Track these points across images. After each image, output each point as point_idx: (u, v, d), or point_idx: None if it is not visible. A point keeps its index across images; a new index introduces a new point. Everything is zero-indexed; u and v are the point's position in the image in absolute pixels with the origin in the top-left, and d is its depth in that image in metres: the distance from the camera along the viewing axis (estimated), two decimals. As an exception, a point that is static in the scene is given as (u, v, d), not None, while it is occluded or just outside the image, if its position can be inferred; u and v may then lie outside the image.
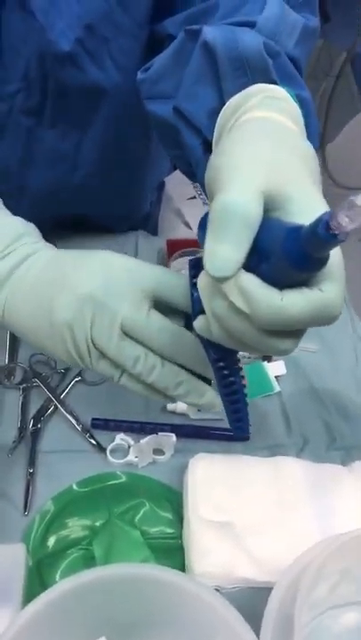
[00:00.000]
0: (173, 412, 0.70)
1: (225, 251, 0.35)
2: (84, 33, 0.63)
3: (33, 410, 0.70)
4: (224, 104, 0.49)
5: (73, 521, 0.60)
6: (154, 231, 1.01)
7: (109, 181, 0.81)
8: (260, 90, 0.47)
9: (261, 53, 0.50)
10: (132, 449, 0.65)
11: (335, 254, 0.35)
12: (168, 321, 0.47)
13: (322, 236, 0.31)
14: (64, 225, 0.88)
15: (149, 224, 0.99)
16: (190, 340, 0.47)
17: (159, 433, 0.66)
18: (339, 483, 0.61)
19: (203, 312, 0.43)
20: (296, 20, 0.56)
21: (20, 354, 0.75)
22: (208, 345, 0.43)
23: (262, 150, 0.39)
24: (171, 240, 0.89)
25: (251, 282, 0.35)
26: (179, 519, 0.61)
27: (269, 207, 0.37)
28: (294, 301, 0.34)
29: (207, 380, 0.49)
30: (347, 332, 0.81)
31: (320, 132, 0.51)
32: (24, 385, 0.71)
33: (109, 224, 0.91)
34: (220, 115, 0.49)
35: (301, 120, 0.47)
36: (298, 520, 0.58)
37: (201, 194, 0.96)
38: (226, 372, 0.44)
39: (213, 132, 0.50)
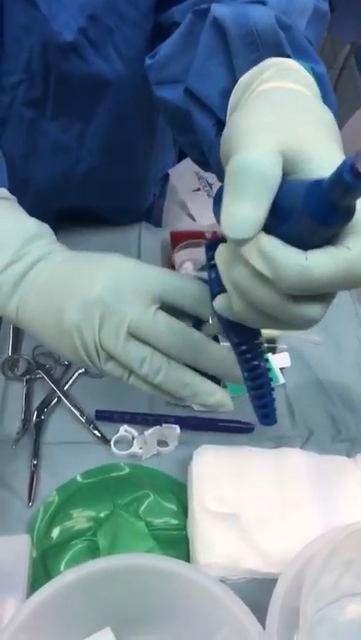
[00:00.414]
0: (177, 404, 0.70)
1: (243, 210, 0.33)
2: (88, 23, 0.62)
3: (37, 401, 0.70)
4: (236, 82, 0.47)
5: (77, 512, 0.60)
6: (158, 223, 1.01)
7: (113, 173, 0.80)
8: (273, 63, 0.46)
9: (274, 27, 0.48)
10: (136, 440, 0.65)
11: (360, 209, 0.32)
12: (175, 320, 0.46)
13: (347, 180, 0.29)
14: (68, 217, 0.88)
15: (153, 216, 0.99)
16: (198, 339, 0.46)
17: (163, 424, 0.66)
18: (344, 474, 0.61)
19: (221, 293, 0.42)
20: (307, 1, 0.55)
21: (23, 346, 0.74)
22: (229, 328, 0.42)
23: (279, 114, 0.38)
24: (174, 232, 0.88)
25: (272, 243, 0.33)
26: (183, 510, 0.60)
27: (289, 170, 0.35)
28: (320, 261, 0.32)
29: (216, 380, 0.48)
30: (351, 324, 0.81)
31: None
32: (27, 377, 0.71)
33: (113, 216, 0.91)
34: (232, 92, 0.47)
35: (317, 90, 0.45)
36: (302, 511, 0.58)
37: (205, 186, 0.95)
38: (249, 355, 0.43)
39: (226, 111, 0.48)
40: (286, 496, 0.59)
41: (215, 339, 0.49)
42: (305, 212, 0.31)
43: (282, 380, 0.73)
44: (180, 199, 0.96)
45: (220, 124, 0.51)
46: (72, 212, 0.88)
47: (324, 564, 0.47)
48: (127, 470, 0.64)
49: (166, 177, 0.98)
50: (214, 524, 0.56)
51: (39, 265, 0.48)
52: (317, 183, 0.31)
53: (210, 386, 0.47)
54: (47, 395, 0.70)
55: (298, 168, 0.35)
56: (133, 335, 0.46)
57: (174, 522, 0.60)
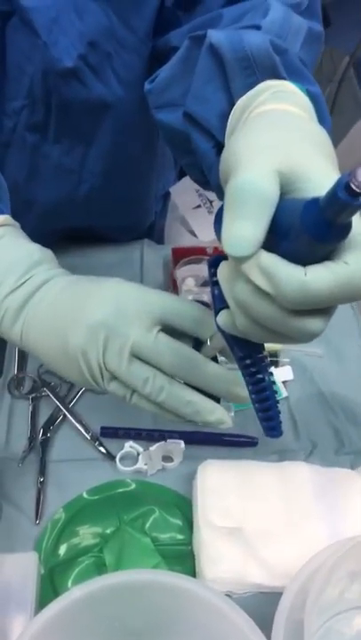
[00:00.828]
0: (180, 422, 0.70)
1: (243, 228, 0.34)
2: (87, 49, 0.64)
3: (42, 419, 0.71)
4: (234, 105, 0.49)
5: (84, 529, 0.61)
6: (160, 240, 1.02)
7: (115, 193, 0.82)
8: (268, 86, 0.47)
9: (268, 51, 0.50)
10: (141, 456, 0.66)
11: (357, 225, 0.33)
12: (176, 342, 0.48)
13: (342, 198, 0.30)
14: (72, 237, 0.89)
15: (155, 233, 1.00)
16: (198, 360, 0.48)
17: (168, 440, 0.66)
18: (348, 486, 0.61)
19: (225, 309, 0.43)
20: (301, 23, 0.56)
21: (28, 364, 0.75)
22: (233, 342, 0.43)
23: (275, 135, 0.39)
24: (176, 248, 0.89)
25: (272, 260, 0.34)
26: (189, 525, 0.61)
27: (286, 189, 0.36)
28: (318, 276, 0.33)
29: (216, 399, 0.49)
30: (353, 337, 0.81)
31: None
32: (33, 395, 0.72)
33: (116, 235, 0.92)
34: (230, 115, 0.49)
35: (312, 110, 0.47)
36: (307, 524, 0.58)
37: (206, 202, 0.97)
38: (253, 369, 0.44)
39: (225, 133, 0.50)
40: (291, 509, 0.60)
41: (214, 359, 0.50)
42: (303, 229, 0.32)
43: (285, 393, 0.74)
44: (182, 216, 0.97)
45: (220, 146, 0.52)
46: (76, 231, 0.89)
47: (328, 577, 0.47)
48: (133, 486, 0.65)
49: (167, 194, 1.00)
50: (219, 538, 0.57)
51: (42, 290, 0.50)
52: (314, 201, 0.32)
53: (210, 404, 0.48)
54: (52, 412, 0.71)
55: (295, 187, 0.36)
56: (136, 356, 0.47)
57: (180, 537, 0.60)
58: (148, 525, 0.61)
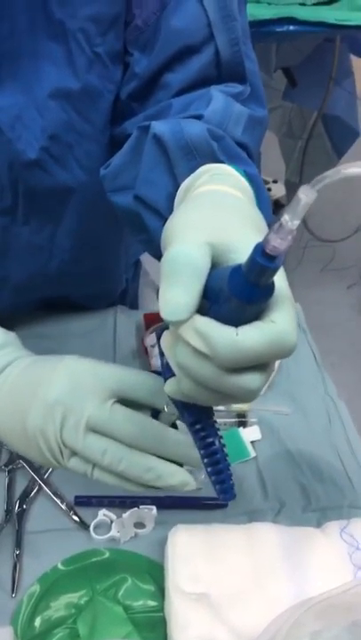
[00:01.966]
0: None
1: (176, 295, 0.37)
2: (49, 142, 0.68)
3: (19, 490, 0.72)
4: (178, 187, 0.53)
5: (58, 600, 0.62)
6: (133, 305, 1.06)
7: (84, 266, 0.86)
8: (207, 169, 0.52)
9: (206, 138, 0.55)
10: (114, 524, 0.68)
11: (280, 285, 0.37)
12: (132, 411, 0.50)
13: (260, 262, 0.33)
14: (46, 305, 0.93)
15: (128, 298, 1.04)
16: (156, 427, 0.50)
17: (140, 506, 0.68)
18: (312, 545, 0.63)
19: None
20: (241, 111, 0.61)
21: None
22: (183, 408, 0.45)
23: (206, 212, 0.43)
24: (147, 314, 0.93)
25: (206, 322, 0.37)
26: (161, 592, 0.62)
27: (219, 261, 0.39)
28: (248, 334, 0.36)
29: (178, 463, 0.51)
30: (318, 393, 0.84)
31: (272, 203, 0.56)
32: (10, 467, 0.74)
33: (89, 302, 0.96)
34: (176, 197, 0.53)
35: (248, 189, 0.51)
36: (274, 586, 0.60)
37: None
38: (203, 433, 0.45)
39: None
40: (258, 571, 0.61)
41: (173, 426, 0.53)
42: (230, 293, 0.36)
43: (253, 453, 0.76)
44: (152, 281, 1.01)
45: None
46: (50, 300, 0.93)
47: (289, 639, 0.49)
48: (107, 555, 0.66)
49: (138, 262, 1.04)
50: (188, 604, 0.58)
51: (4, 373, 0.53)
52: (238, 267, 0.36)
53: (172, 467, 0.50)
54: (28, 483, 0.73)
55: (227, 258, 0.40)
56: (94, 430, 0.49)
57: (152, 603, 0.62)
58: (120, 594, 0.62)
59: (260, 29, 1.46)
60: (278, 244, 0.33)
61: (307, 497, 0.72)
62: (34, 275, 0.84)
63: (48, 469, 0.74)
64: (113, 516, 0.69)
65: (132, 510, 0.68)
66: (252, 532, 0.65)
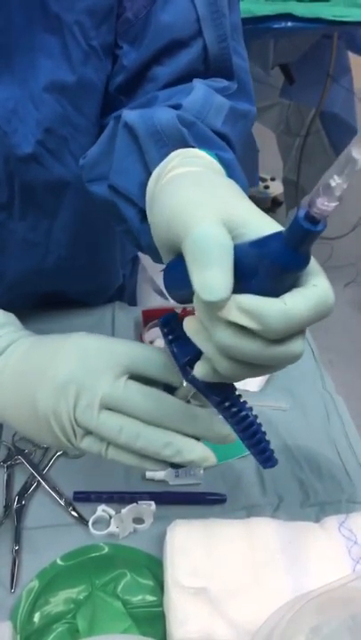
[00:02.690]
0: (153, 480, 0.73)
1: (214, 275, 0.37)
2: (44, 135, 0.68)
3: (17, 486, 0.72)
4: (151, 174, 0.54)
5: (57, 596, 0.62)
6: (132, 301, 1.06)
7: (81, 261, 0.86)
8: (178, 154, 0.52)
9: (176, 124, 0.56)
10: (113, 520, 0.68)
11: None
12: (147, 387, 0.49)
13: (306, 227, 0.34)
14: (44, 301, 0.93)
15: (126, 294, 1.04)
16: (173, 402, 0.49)
17: (139, 502, 0.68)
18: (311, 540, 0.63)
19: (188, 364, 0.45)
20: (222, 102, 0.62)
21: (3, 432, 0.78)
22: (208, 390, 0.45)
23: (203, 190, 0.43)
24: (146, 310, 0.93)
25: (250, 298, 0.37)
26: (160, 586, 0.62)
27: (231, 235, 0.40)
28: (297, 302, 0.37)
29: (195, 438, 0.50)
30: (317, 389, 0.84)
31: (249, 186, 0.57)
32: (8, 462, 0.74)
33: (86, 299, 0.96)
34: (148, 184, 0.54)
35: (220, 168, 0.52)
36: (273, 580, 0.60)
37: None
38: (234, 409, 0.45)
39: (145, 200, 0.54)
40: (257, 565, 0.61)
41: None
42: (274, 263, 0.36)
43: (252, 448, 0.76)
44: (150, 277, 1.01)
45: (143, 213, 0.57)
46: (48, 296, 0.93)
47: (286, 634, 0.49)
48: (106, 550, 0.66)
49: (136, 257, 1.04)
50: (187, 599, 0.58)
51: (6, 354, 0.52)
52: (276, 237, 0.36)
53: (190, 442, 0.49)
54: (27, 479, 0.73)
55: (238, 232, 0.40)
56: (108, 407, 0.48)
57: (151, 598, 0.62)
58: (119, 589, 0.62)
59: (258, 26, 1.46)
60: (325, 205, 0.33)
61: (305, 492, 0.72)
62: (30, 270, 0.84)
63: (47, 465, 0.74)
64: (112, 512, 0.68)
65: (130, 506, 0.68)
66: (250, 527, 0.64)
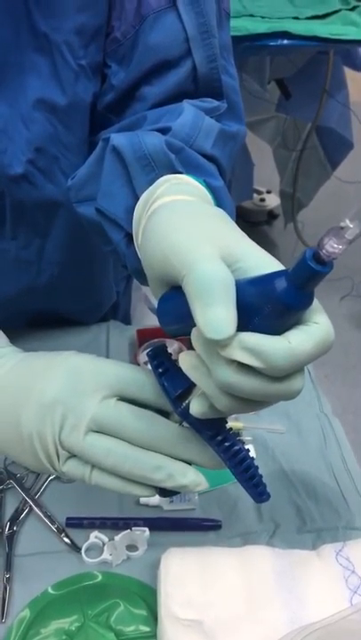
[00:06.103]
0: (147, 505, 0.72)
1: (220, 313, 0.37)
2: (35, 154, 0.68)
3: (9, 511, 0.71)
4: (138, 199, 0.53)
5: (49, 626, 0.60)
6: (125, 319, 1.05)
7: (73, 280, 0.85)
8: (166, 180, 0.52)
9: (163, 150, 0.55)
10: (106, 547, 0.66)
11: None
12: (138, 408, 0.47)
13: (314, 267, 0.33)
14: (37, 320, 0.92)
15: (120, 312, 1.03)
16: (165, 424, 0.47)
17: (132, 528, 0.67)
18: (307, 569, 0.62)
19: (180, 397, 0.45)
20: (211, 125, 0.61)
21: (-5, 456, 0.77)
22: (200, 425, 0.44)
23: (198, 223, 0.43)
24: (140, 330, 0.92)
25: (253, 337, 0.37)
26: (154, 616, 0.61)
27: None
28: (302, 340, 0.37)
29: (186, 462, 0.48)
30: (313, 411, 0.84)
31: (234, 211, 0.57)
32: (0, 487, 0.73)
33: (80, 317, 0.95)
34: (135, 209, 0.53)
35: (208, 196, 0.52)
36: (268, 611, 0.59)
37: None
38: (227, 443, 0.45)
39: (132, 225, 0.54)
40: (252, 596, 0.60)
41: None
42: (280, 301, 0.36)
43: (247, 473, 0.75)
44: (145, 295, 1.00)
45: (129, 237, 0.56)
46: (41, 315, 0.92)
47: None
48: (99, 578, 0.65)
49: (130, 276, 1.03)
50: (181, 630, 0.57)
51: None
52: (281, 276, 0.36)
53: (182, 465, 0.47)
54: (19, 504, 0.72)
55: (235, 267, 0.40)
56: (97, 429, 0.47)
57: (145, 629, 0.61)
58: (112, 619, 0.61)
59: (255, 43, 1.46)
60: (335, 248, 0.33)
61: (302, 518, 0.71)
62: (23, 289, 0.83)
63: (39, 490, 0.73)
64: (105, 539, 0.67)
65: (124, 532, 0.67)
66: (246, 556, 0.63)
